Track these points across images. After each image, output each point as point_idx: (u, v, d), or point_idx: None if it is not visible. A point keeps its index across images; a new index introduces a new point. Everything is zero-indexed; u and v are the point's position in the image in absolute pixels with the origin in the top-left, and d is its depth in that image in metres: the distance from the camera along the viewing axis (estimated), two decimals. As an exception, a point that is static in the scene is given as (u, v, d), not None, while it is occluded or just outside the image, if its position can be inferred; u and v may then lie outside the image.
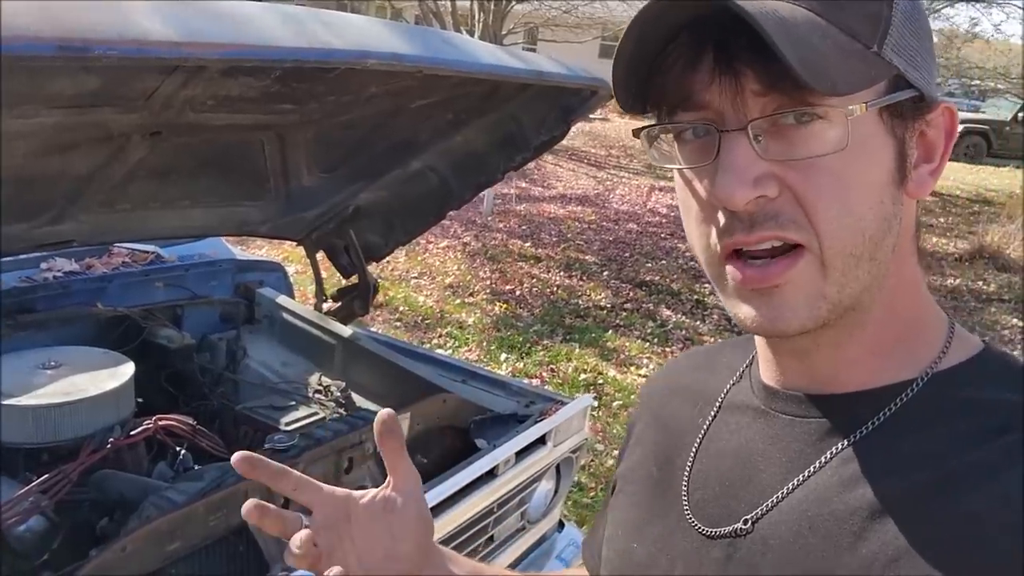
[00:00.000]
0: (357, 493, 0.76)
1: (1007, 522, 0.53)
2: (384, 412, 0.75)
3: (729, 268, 0.62)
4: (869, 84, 0.57)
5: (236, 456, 0.73)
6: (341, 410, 2.45)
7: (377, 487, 0.78)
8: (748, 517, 0.66)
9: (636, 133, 0.65)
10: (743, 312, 0.63)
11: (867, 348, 0.65)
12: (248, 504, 0.73)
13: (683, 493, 0.73)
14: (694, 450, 0.75)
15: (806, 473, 0.64)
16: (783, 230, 0.59)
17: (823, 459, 0.64)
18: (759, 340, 0.72)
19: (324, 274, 3.06)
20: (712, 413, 0.77)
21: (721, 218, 0.61)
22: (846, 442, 0.63)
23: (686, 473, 0.74)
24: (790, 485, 0.64)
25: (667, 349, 5.84)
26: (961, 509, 0.55)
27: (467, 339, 5.69)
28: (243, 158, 2.24)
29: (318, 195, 2.59)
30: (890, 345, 0.65)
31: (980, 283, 8.17)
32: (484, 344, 5.61)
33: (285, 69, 1.60)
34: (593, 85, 2.24)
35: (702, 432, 0.76)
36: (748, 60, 0.56)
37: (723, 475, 0.71)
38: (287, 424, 2.31)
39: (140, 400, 2.18)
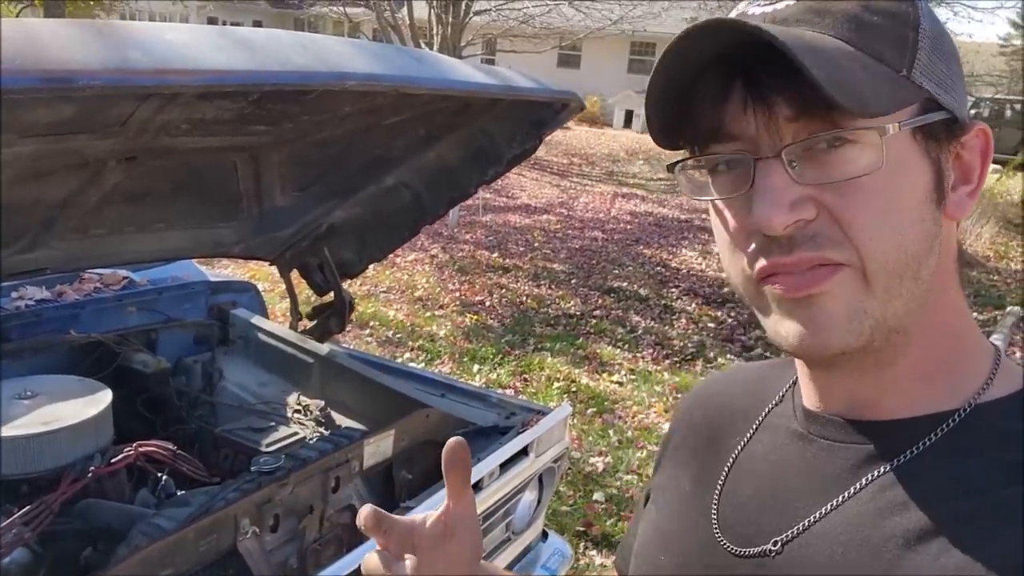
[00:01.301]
0: (418, 519, 0.76)
1: None
2: (454, 441, 0.76)
3: (767, 285, 0.62)
4: (900, 106, 0.58)
5: (365, 513, 0.75)
6: (321, 429, 2.45)
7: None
8: (779, 539, 0.66)
9: (671, 168, 0.66)
10: (785, 329, 0.62)
11: (910, 374, 0.64)
12: (366, 511, 0.75)
13: (713, 510, 0.73)
14: (727, 468, 0.75)
15: (841, 498, 0.64)
16: (821, 250, 0.59)
17: (859, 485, 0.63)
18: (800, 363, 0.71)
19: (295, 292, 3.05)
20: (750, 433, 0.77)
21: (758, 244, 0.61)
22: (884, 469, 0.63)
23: (718, 490, 0.74)
24: (824, 509, 0.64)
25: (638, 354, 5.89)
26: (999, 541, 0.55)
27: (439, 352, 5.69)
28: (217, 180, 2.24)
29: (292, 214, 2.59)
30: (932, 372, 0.64)
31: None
32: (456, 356, 5.62)
33: (263, 92, 1.61)
34: (564, 98, 2.26)
35: (737, 450, 0.76)
36: (778, 87, 0.57)
37: (756, 495, 0.71)
38: (268, 445, 2.30)
39: (117, 426, 2.16)
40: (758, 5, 0.62)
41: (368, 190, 2.58)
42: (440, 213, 2.69)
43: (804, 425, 0.71)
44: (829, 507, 0.64)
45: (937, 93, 0.60)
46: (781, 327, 0.62)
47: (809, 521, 0.65)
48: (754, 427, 0.77)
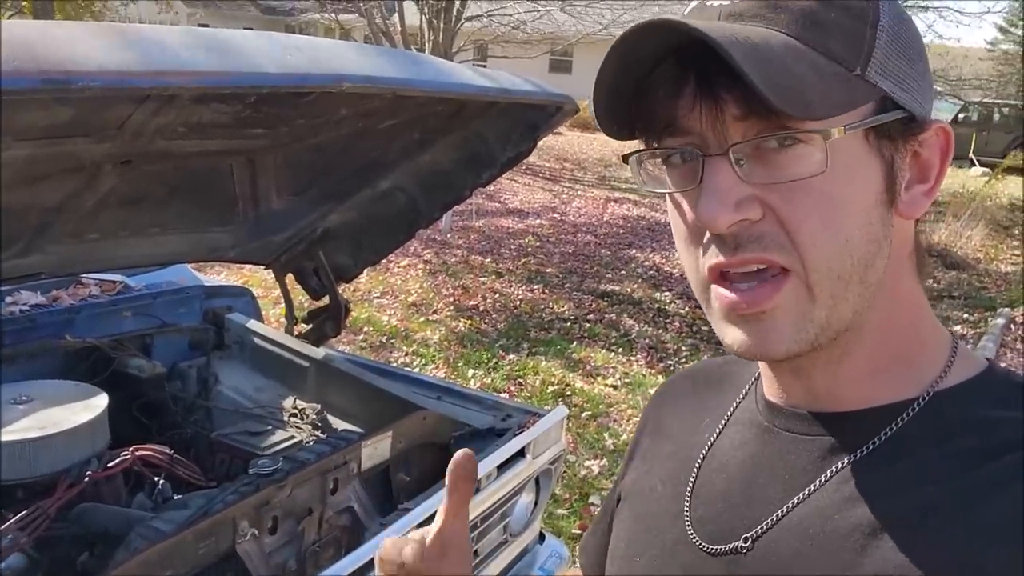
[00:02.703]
0: (416, 535, 0.75)
1: (1010, 539, 0.53)
2: (462, 454, 0.74)
3: (715, 290, 0.62)
4: (850, 107, 0.58)
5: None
6: (318, 432, 2.45)
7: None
8: (749, 534, 0.66)
9: (625, 159, 0.66)
10: (730, 336, 0.63)
11: (864, 367, 0.65)
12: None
13: (686, 509, 0.73)
14: (698, 465, 0.75)
15: (807, 491, 0.64)
16: (767, 252, 0.59)
17: (824, 477, 0.64)
18: None
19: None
20: (718, 429, 0.77)
21: (707, 240, 0.61)
22: (848, 460, 0.63)
23: (689, 488, 0.74)
24: (791, 502, 0.65)
25: (632, 358, 5.90)
26: (964, 526, 0.55)
27: (433, 356, 5.69)
28: (212, 183, 2.24)
29: (287, 218, 2.59)
30: (888, 364, 0.65)
31: (930, 281, 8.37)
32: (450, 360, 5.61)
33: (260, 95, 1.61)
34: (558, 101, 2.27)
35: (707, 447, 0.76)
36: (727, 86, 0.56)
37: (725, 491, 0.71)
38: (264, 449, 2.30)
39: (113, 431, 2.16)
40: None
41: (363, 194, 2.58)
42: (435, 216, 2.69)
43: (768, 418, 0.71)
44: (796, 500, 0.64)
45: (893, 92, 0.60)
46: (726, 334, 0.63)
47: (778, 515, 0.65)
48: (722, 422, 0.77)
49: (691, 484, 0.74)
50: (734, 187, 0.58)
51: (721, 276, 0.61)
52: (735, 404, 0.77)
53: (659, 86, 0.60)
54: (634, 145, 0.65)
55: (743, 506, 0.68)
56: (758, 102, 0.54)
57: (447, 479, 0.74)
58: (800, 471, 0.66)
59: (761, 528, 0.66)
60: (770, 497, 0.67)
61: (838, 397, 0.66)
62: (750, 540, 0.66)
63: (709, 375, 0.85)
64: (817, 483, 0.64)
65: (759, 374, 0.75)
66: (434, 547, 0.74)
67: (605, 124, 0.63)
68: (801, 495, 0.64)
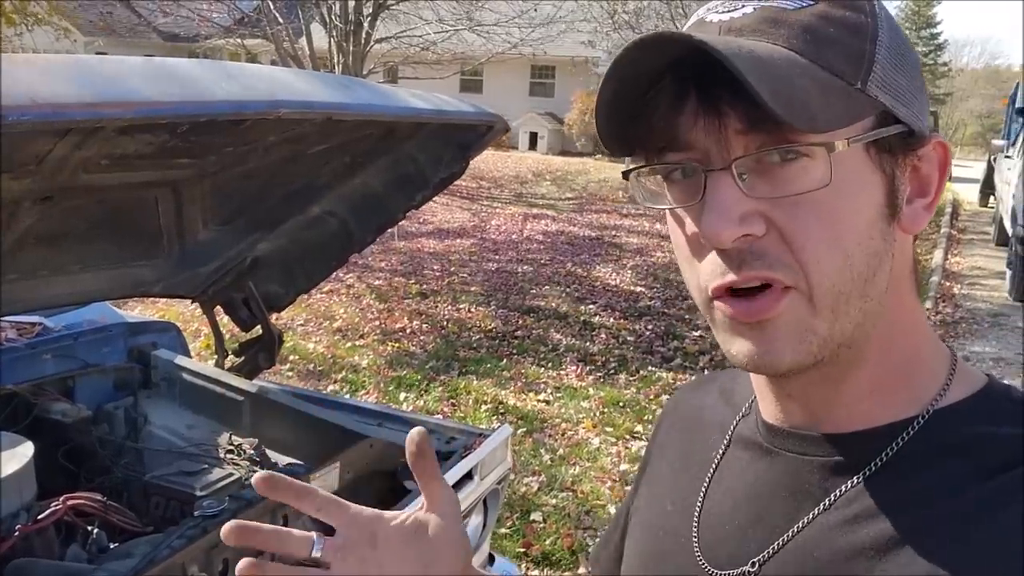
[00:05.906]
0: (388, 514, 0.70)
1: (1012, 558, 0.53)
2: (415, 432, 0.70)
3: (718, 303, 0.62)
4: (852, 120, 0.58)
5: (257, 476, 0.67)
6: (256, 468, 2.37)
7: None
8: (756, 559, 0.66)
9: (626, 176, 0.65)
10: (735, 348, 0.62)
11: (865, 386, 0.65)
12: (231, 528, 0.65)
13: (694, 532, 0.73)
14: (704, 487, 0.75)
15: (813, 514, 0.64)
16: (771, 270, 0.59)
17: (829, 500, 0.64)
18: (755, 377, 0.70)
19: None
20: (723, 448, 0.76)
21: (711, 256, 0.61)
22: (851, 482, 0.63)
23: (696, 511, 0.74)
24: (797, 526, 0.64)
25: (562, 372, 5.93)
26: (967, 546, 0.56)
27: (363, 382, 5.60)
28: (136, 216, 2.16)
29: (214, 249, 2.52)
30: (888, 382, 0.65)
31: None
32: (381, 386, 5.54)
33: (193, 124, 1.56)
34: (489, 120, 2.28)
35: (712, 467, 0.75)
36: (729, 100, 0.56)
37: (731, 515, 0.71)
38: (202, 488, 2.22)
39: (38, 481, 2.04)
40: (716, 12, 0.62)
41: (293, 220, 2.53)
42: (368, 241, 2.65)
43: (768, 439, 0.70)
44: (802, 523, 0.64)
45: (893, 106, 0.60)
46: (732, 346, 0.62)
47: (784, 539, 0.65)
48: (726, 441, 0.76)
49: (698, 507, 0.74)
50: (737, 202, 0.58)
51: (725, 292, 0.61)
52: (736, 421, 0.77)
53: (659, 102, 0.60)
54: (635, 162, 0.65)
55: (750, 529, 0.68)
56: (761, 115, 0.54)
57: (408, 460, 0.71)
58: (803, 493, 0.65)
59: (767, 553, 0.66)
60: (775, 520, 0.66)
61: (838, 418, 0.66)
62: (757, 565, 0.66)
63: (717, 389, 0.85)
64: (822, 506, 0.64)
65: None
66: (408, 525, 0.69)
67: (608, 142, 0.63)
68: (806, 519, 0.64)
